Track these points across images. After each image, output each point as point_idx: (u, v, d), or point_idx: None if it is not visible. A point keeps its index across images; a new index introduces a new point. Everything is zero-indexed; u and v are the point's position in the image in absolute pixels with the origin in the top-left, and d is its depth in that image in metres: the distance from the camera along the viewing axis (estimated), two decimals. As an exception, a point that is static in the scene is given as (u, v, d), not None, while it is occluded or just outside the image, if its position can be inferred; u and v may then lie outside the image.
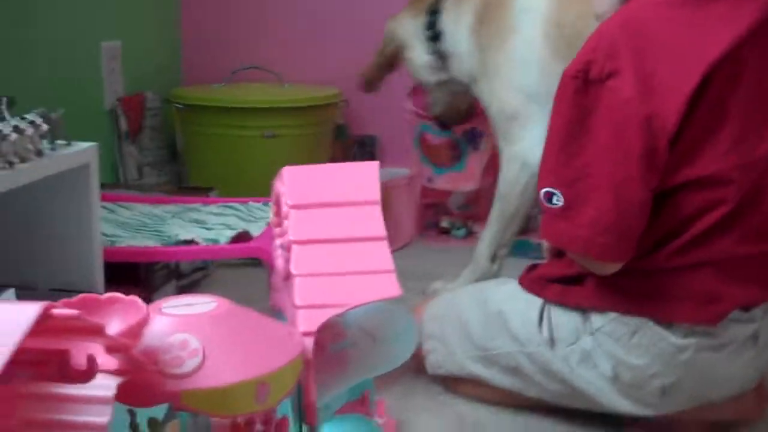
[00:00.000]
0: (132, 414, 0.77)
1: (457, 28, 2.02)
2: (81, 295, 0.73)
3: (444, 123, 2.37)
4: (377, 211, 0.95)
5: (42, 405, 0.64)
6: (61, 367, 0.61)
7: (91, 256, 1.42)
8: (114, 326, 0.70)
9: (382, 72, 2.30)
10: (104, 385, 0.66)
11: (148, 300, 1.87)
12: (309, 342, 0.83)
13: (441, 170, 2.55)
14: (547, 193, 1.16)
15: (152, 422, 0.78)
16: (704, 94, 1.10)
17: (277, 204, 1.01)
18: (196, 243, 1.63)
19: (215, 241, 1.64)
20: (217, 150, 2.50)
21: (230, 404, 0.74)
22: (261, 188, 2.38)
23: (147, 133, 2.60)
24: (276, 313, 1.15)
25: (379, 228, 0.93)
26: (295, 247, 0.92)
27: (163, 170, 2.70)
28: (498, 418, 1.49)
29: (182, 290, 2.06)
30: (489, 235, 1.98)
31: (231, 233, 1.67)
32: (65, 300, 0.73)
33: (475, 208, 2.66)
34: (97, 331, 0.61)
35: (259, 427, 0.82)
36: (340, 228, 0.93)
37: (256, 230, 1.70)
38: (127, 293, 1.51)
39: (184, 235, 1.65)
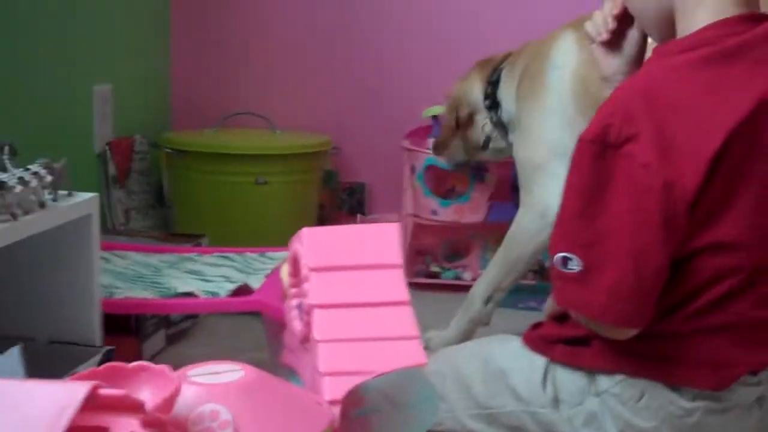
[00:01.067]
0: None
1: (509, 94, 2.10)
2: (109, 365, 0.71)
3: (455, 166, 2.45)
4: (399, 274, 0.94)
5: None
6: (100, 446, 0.59)
7: (91, 307, 1.40)
8: (144, 396, 0.69)
9: (454, 133, 2.34)
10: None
11: (138, 349, 1.85)
12: (336, 411, 0.82)
13: (446, 202, 2.55)
14: (562, 258, 1.14)
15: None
16: (723, 159, 1.10)
17: (294, 264, 1.00)
18: (196, 296, 1.61)
19: (215, 294, 1.62)
20: (207, 195, 2.48)
21: (261, 480, 0.72)
22: (250, 234, 2.38)
23: (134, 177, 2.58)
24: (287, 371, 1.13)
25: (402, 292, 0.92)
26: (317, 312, 0.91)
27: (148, 215, 2.67)
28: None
29: (171, 339, 2.03)
30: (489, 276, 2.00)
31: (231, 286, 1.65)
32: (93, 369, 0.71)
33: (463, 258, 2.66)
34: (137, 408, 0.59)
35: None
36: (362, 292, 0.92)
37: (255, 282, 1.69)
38: (119, 341, 1.49)
39: (183, 288, 1.63)
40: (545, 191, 1.91)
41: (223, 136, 2.57)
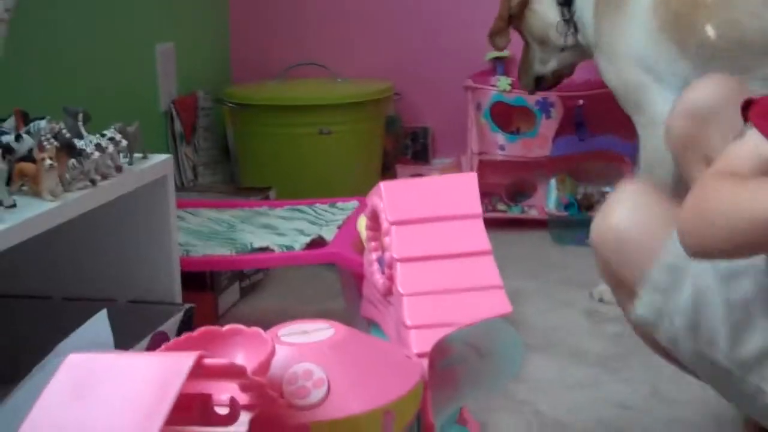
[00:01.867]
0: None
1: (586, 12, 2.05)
2: (203, 329, 0.72)
3: (536, 85, 2.36)
4: (480, 224, 0.93)
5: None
6: (204, 412, 0.60)
7: (170, 266, 1.42)
8: (239, 359, 0.70)
9: (506, 25, 2.28)
10: (241, 421, 0.65)
11: (215, 304, 1.87)
12: (424, 363, 0.82)
13: (514, 137, 2.53)
14: None
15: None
16: None
17: (373, 218, 1.00)
18: (272, 250, 1.62)
19: (290, 248, 1.63)
20: (271, 148, 2.49)
21: (358, 434, 0.73)
22: (317, 185, 2.39)
23: (200, 133, 2.60)
24: (369, 324, 1.14)
25: (483, 242, 0.92)
26: (400, 266, 0.91)
27: (216, 170, 2.70)
28: (576, 418, 1.48)
29: (245, 291, 2.06)
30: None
31: (305, 239, 1.66)
32: (188, 334, 0.72)
33: (529, 197, 2.64)
34: (240, 375, 0.60)
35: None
36: (443, 243, 0.92)
37: (328, 234, 1.69)
38: (196, 297, 1.51)
39: (258, 243, 1.64)
40: (658, 108, 1.88)
41: (284, 88, 2.57)
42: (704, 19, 1.83)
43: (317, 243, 1.66)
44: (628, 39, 1.93)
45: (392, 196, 0.95)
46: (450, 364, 0.91)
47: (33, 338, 1.29)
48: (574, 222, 2.40)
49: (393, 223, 0.93)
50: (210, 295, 1.83)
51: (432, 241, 0.92)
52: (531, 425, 1.45)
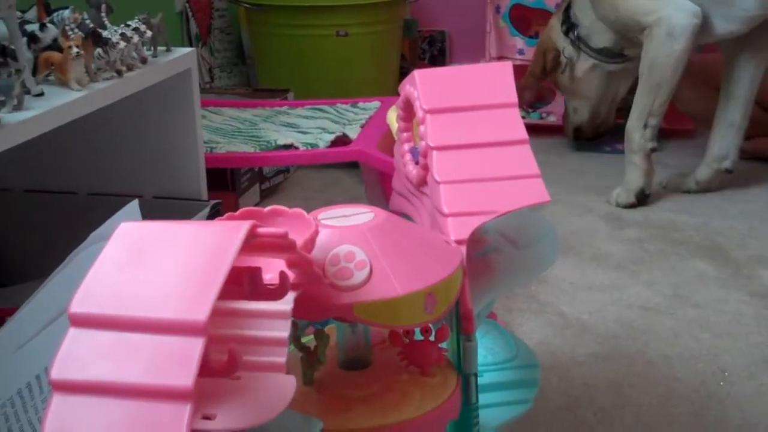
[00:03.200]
0: (295, 325, 0.77)
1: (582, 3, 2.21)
2: (245, 210, 0.71)
3: (575, 137, 2.48)
4: (516, 113, 0.92)
5: (228, 321, 0.64)
6: (253, 285, 0.60)
7: (195, 162, 1.41)
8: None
9: (538, 81, 2.42)
10: (282, 300, 0.65)
11: (236, 203, 1.89)
12: (462, 250, 0.82)
13: (533, 41, 2.52)
14: None
15: (318, 332, 0.77)
16: None
17: (406, 108, 0.99)
18: (296, 147, 1.61)
19: (314, 146, 1.62)
20: (287, 50, 2.46)
21: (400, 316, 0.73)
22: (334, 87, 2.37)
23: (215, 34, 2.57)
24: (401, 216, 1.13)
25: (520, 131, 0.90)
26: (435, 153, 0.90)
27: (232, 72, 2.67)
28: (599, 319, 1.49)
29: (265, 193, 2.06)
30: (638, 107, 2.07)
31: (329, 137, 1.65)
32: (229, 214, 0.72)
33: (547, 104, 2.62)
34: (291, 248, 0.60)
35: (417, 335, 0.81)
36: (479, 132, 0.90)
37: (351, 133, 1.68)
38: (217, 197, 1.51)
39: (282, 140, 1.64)
40: (662, 13, 1.96)
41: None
42: None
43: (341, 141, 1.65)
44: None
45: (427, 84, 0.94)
46: (486, 254, 0.91)
47: (59, 234, 1.29)
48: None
49: (428, 112, 0.91)
50: (231, 195, 1.83)
51: (468, 129, 0.90)
52: (554, 325, 1.47)
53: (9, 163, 1.41)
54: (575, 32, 2.24)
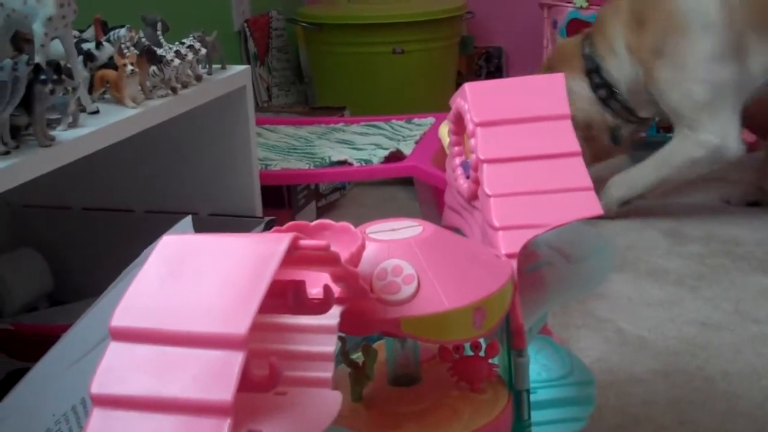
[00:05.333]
0: (343, 341, 0.76)
1: (620, 63, 2.00)
2: (292, 223, 0.71)
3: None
4: (568, 125, 0.90)
5: (272, 335, 0.63)
6: (297, 299, 0.59)
7: (250, 179, 1.42)
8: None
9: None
10: (327, 314, 0.65)
11: (292, 220, 1.89)
12: (513, 264, 0.81)
13: None
14: None
15: (366, 347, 0.77)
16: None
17: (457, 121, 0.98)
18: (350, 164, 1.61)
19: (368, 162, 1.62)
20: (344, 68, 2.48)
21: (449, 330, 0.72)
22: (391, 105, 2.37)
23: (273, 54, 2.59)
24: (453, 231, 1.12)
25: (572, 143, 0.89)
26: (485, 166, 0.89)
27: (290, 91, 2.69)
28: (657, 335, 1.46)
29: (321, 211, 2.06)
30: (633, 183, 2.00)
31: (383, 153, 1.65)
32: (277, 228, 0.71)
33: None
34: (334, 261, 0.59)
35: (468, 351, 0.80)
36: (531, 144, 0.89)
37: (405, 149, 1.68)
38: (273, 214, 1.52)
39: (337, 156, 1.64)
40: (716, 130, 1.90)
41: (357, 7, 2.54)
42: None
43: (395, 157, 1.65)
44: (696, 58, 1.90)
45: (478, 96, 0.93)
46: (537, 268, 0.90)
47: (115, 252, 1.30)
48: (653, 142, 2.35)
49: (479, 125, 0.90)
50: (287, 212, 1.84)
51: (519, 141, 0.89)
52: (612, 342, 1.44)
53: (67, 181, 1.43)
54: (616, 99, 2.04)
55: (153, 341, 0.51)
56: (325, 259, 0.58)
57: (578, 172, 0.88)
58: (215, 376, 0.48)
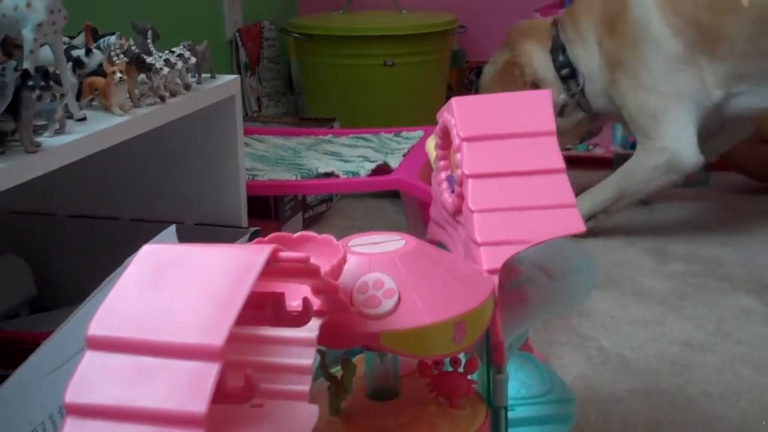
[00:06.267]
0: (322, 354, 0.76)
1: (589, 54, 2.05)
2: (274, 234, 0.71)
3: None
4: (553, 141, 0.90)
5: (250, 347, 0.63)
6: (276, 311, 0.59)
7: (236, 190, 1.42)
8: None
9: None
10: (306, 327, 0.65)
11: (278, 231, 1.89)
12: (495, 280, 0.81)
13: None
14: None
15: (345, 361, 0.77)
16: None
17: (444, 136, 0.98)
18: (337, 175, 1.61)
19: (355, 174, 1.62)
20: (335, 79, 2.48)
21: (428, 345, 0.72)
22: (380, 117, 2.38)
23: (265, 64, 2.59)
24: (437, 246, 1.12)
25: (556, 159, 0.89)
26: (470, 182, 0.89)
27: (280, 101, 2.69)
28: (640, 354, 1.46)
29: (308, 222, 2.06)
30: (596, 199, 2.04)
31: (371, 165, 1.65)
32: (258, 239, 0.71)
33: (594, 136, 2.60)
34: (314, 274, 0.59)
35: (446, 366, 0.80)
36: (516, 160, 0.89)
37: (393, 162, 1.68)
38: (260, 225, 1.52)
39: (324, 168, 1.64)
40: (669, 138, 1.93)
41: (349, 19, 2.55)
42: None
43: (382, 170, 1.65)
44: (650, 67, 1.94)
45: (464, 111, 0.93)
46: (519, 284, 0.90)
47: (100, 259, 1.30)
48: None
49: (464, 139, 0.91)
50: (274, 224, 1.84)
51: (504, 157, 0.89)
52: (594, 360, 1.44)
53: (53, 188, 1.43)
54: (577, 83, 2.09)
55: (129, 351, 0.51)
56: (304, 271, 0.58)
57: (562, 188, 0.88)
58: (189, 387, 0.48)
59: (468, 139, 0.91)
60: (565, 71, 2.08)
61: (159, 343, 0.50)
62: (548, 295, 0.90)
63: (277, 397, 0.62)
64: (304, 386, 0.62)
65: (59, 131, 1.06)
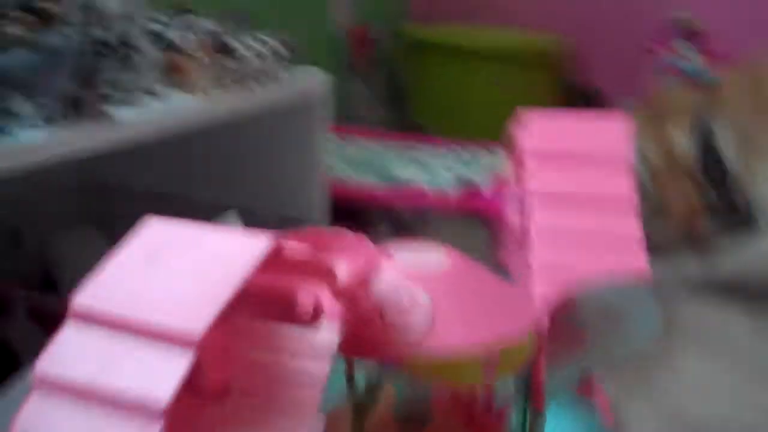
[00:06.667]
0: (350, 364, 0.72)
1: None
2: (311, 228, 0.68)
3: None
4: (626, 167, 0.84)
5: (262, 344, 0.60)
6: (285, 308, 0.56)
7: (314, 186, 1.39)
8: (341, 267, 0.65)
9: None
10: (329, 330, 0.61)
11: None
12: (543, 309, 0.75)
13: None
14: None
15: (369, 386, 0.72)
16: None
17: (515, 153, 0.93)
18: (417, 184, 1.57)
19: (437, 185, 1.58)
20: (439, 90, 2.45)
21: (455, 373, 0.67)
22: (478, 131, 2.31)
23: (370, 66, 2.57)
24: (503, 270, 1.07)
25: (627, 187, 0.83)
26: (532, 200, 0.83)
27: (381, 104, 2.67)
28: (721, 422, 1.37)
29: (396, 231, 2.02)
30: None
31: (454, 179, 1.60)
32: (293, 232, 0.68)
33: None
34: (325, 274, 0.55)
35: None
36: (583, 182, 0.84)
37: (478, 177, 1.63)
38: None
39: (406, 175, 1.60)
40: None
41: (462, 32, 2.51)
42: None
43: (467, 185, 1.60)
44: None
45: (534, 126, 0.88)
46: (571, 320, 0.84)
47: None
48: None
49: (531, 155, 0.85)
50: (358, 228, 1.81)
51: (572, 178, 0.84)
52: (672, 423, 1.36)
53: (133, 163, 1.43)
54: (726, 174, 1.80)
55: (109, 326, 0.48)
56: (314, 268, 0.54)
57: (629, 219, 0.82)
58: (158, 373, 0.45)
59: (534, 155, 0.86)
60: (709, 158, 1.83)
61: (140, 323, 0.47)
62: (605, 337, 0.83)
63: (282, 401, 0.58)
64: (316, 393, 0.58)
65: (136, 104, 1.05)
